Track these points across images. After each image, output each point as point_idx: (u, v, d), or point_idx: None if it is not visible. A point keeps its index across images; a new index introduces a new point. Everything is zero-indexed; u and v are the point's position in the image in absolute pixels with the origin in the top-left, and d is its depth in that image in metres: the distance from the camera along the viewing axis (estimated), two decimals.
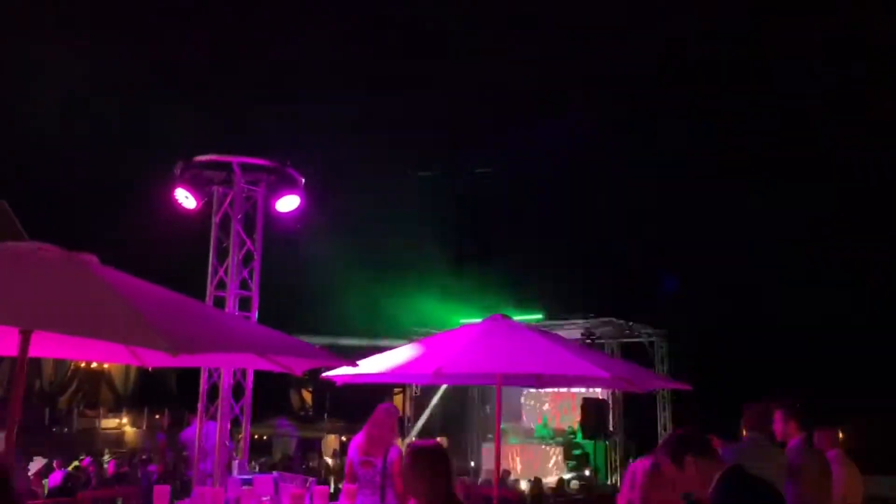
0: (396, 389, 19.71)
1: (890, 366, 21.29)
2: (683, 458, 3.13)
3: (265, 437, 27.18)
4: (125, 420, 27.05)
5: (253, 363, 5.75)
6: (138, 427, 26.90)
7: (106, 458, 17.76)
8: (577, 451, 15.91)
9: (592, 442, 15.75)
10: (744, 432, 5.05)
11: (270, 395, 24.47)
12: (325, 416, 23.06)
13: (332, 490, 6.69)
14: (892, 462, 14.14)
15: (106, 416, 26.85)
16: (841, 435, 6.58)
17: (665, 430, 16.49)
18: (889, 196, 23.91)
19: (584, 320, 16.74)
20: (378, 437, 5.35)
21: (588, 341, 15.83)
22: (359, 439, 6.38)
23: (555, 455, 16.15)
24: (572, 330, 16.17)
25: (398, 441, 5.63)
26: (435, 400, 18.79)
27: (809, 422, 5.25)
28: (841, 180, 25.40)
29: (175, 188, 7.44)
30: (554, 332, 9.12)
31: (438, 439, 18.69)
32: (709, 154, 25.94)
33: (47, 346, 3.99)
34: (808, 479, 4.97)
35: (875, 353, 22.02)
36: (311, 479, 7.30)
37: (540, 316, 16.98)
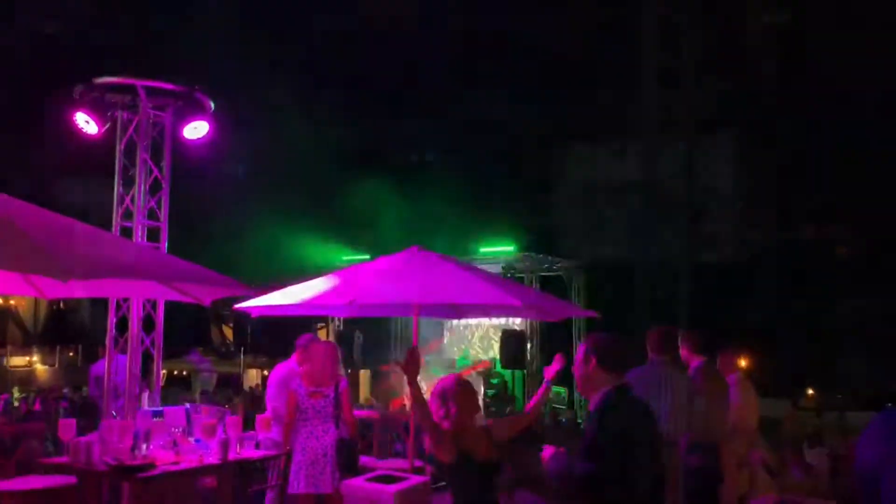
0: (320, 324, 19.60)
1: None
2: (589, 354, 3.07)
3: (185, 373, 26.75)
4: (35, 358, 26.17)
5: (160, 293, 5.60)
6: (49, 364, 26.09)
7: (17, 395, 17.21)
8: (495, 381, 16.39)
9: (510, 371, 16.20)
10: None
11: (189, 329, 24.02)
12: (243, 350, 22.84)
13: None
14: (783, 386, 15.23)
15: (15, 354, 25.90)
16: (743, 362, 6.96)
17: None
18: None
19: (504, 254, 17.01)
20: (332, 371, 5.60)
21: (508, 275, 16.11)
22: (282, 371, 6.35)
23: (476, 384, 16.59)
24: (492, 264, 16.39)
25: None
26: (358, 333, 18.80)
27: (705, 346, 5.53)
28: None
29: (74, 112, 7.03)
30: (473, 264, 9.21)
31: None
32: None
33: None
34: (704, 400, 5.24)
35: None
36: (225, 409, 7.26)
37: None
